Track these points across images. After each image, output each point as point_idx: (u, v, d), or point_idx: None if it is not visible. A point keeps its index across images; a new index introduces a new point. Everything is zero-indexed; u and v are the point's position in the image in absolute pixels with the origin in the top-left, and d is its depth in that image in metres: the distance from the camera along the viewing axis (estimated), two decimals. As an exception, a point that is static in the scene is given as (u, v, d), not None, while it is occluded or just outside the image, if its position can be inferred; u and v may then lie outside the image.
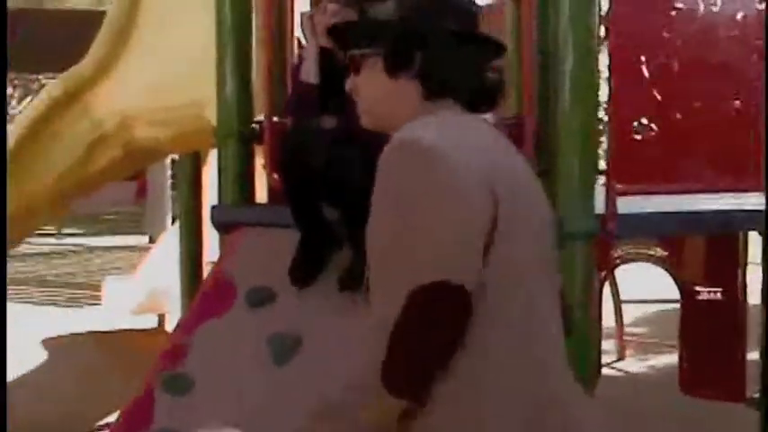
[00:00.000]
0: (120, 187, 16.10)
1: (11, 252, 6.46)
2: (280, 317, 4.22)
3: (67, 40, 8.69)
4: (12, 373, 7.21)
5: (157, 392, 4.07)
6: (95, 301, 9.86)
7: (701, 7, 4.37)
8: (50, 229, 20.58)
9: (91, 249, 19.42)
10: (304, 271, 4.25)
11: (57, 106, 5.60)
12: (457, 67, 2.16)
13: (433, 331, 1.99)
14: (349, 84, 2.28)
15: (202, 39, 4.77)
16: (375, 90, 2.20)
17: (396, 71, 2.15)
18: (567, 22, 4.01)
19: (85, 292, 11.37)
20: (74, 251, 19.57)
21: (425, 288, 1.96)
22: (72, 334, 7.97)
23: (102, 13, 6.29)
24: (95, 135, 5.58)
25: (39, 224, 6.50)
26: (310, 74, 4.27)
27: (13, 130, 5.85)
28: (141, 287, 9.57)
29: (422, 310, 1.98)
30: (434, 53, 2.14)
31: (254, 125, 4.76)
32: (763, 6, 4.49)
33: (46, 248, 19.06)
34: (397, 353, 1.98)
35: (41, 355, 7.12)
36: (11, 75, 25.74)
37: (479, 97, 2.22)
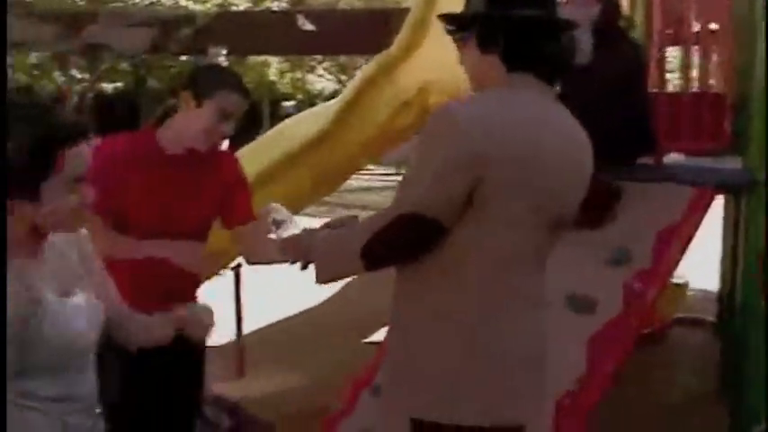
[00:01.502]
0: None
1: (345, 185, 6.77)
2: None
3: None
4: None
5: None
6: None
7: None
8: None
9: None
10: None
11: (372, 80, 5.74)
12: (532, 47, 2.18)
13: (392, 249, 2.16)
14: (457, 56, 2.35)
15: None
16: (472, 63, 2.27)
17: (485, 50, 2.21)
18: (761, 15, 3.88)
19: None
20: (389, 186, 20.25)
21: (401, 216, 2.10)
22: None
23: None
24: (399, 101, 5.73)
25: (362, 164, 6.83)
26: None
27: (345, 93, 6.10)
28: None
29: (394, 232, 2.12)
30: (513, 36, 2.17)
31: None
32: None
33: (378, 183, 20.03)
34: (369, 249, 2.15)
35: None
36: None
37: (554, 69, 2.23)
